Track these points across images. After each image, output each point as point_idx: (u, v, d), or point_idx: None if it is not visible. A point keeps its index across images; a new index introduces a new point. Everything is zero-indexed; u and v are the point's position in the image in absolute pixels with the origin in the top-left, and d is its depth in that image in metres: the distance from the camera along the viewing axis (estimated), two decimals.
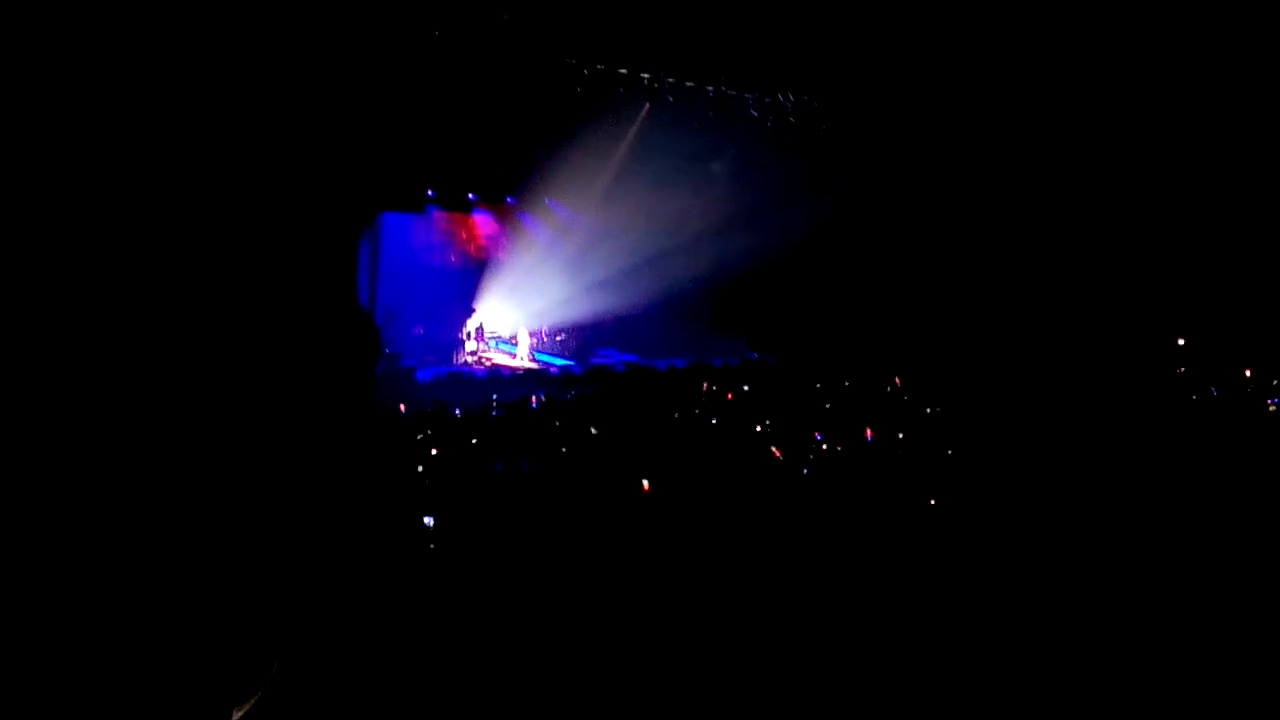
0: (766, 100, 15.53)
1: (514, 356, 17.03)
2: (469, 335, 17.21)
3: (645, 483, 6.42)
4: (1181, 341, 13.44)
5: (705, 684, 3.81)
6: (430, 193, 16.33)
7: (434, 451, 7.50)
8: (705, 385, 11.99)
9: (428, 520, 5.22)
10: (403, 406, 9.76)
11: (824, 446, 7.74)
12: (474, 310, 17.63)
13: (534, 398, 10.82)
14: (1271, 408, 9.06)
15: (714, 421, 9.33)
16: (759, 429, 8.88)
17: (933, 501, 6.16)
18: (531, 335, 17.98)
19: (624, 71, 14.10)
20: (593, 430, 8.78)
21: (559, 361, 16.52)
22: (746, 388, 12.40)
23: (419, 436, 8.26)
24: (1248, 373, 10.90)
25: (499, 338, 17.69)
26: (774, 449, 7.68)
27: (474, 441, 8.19)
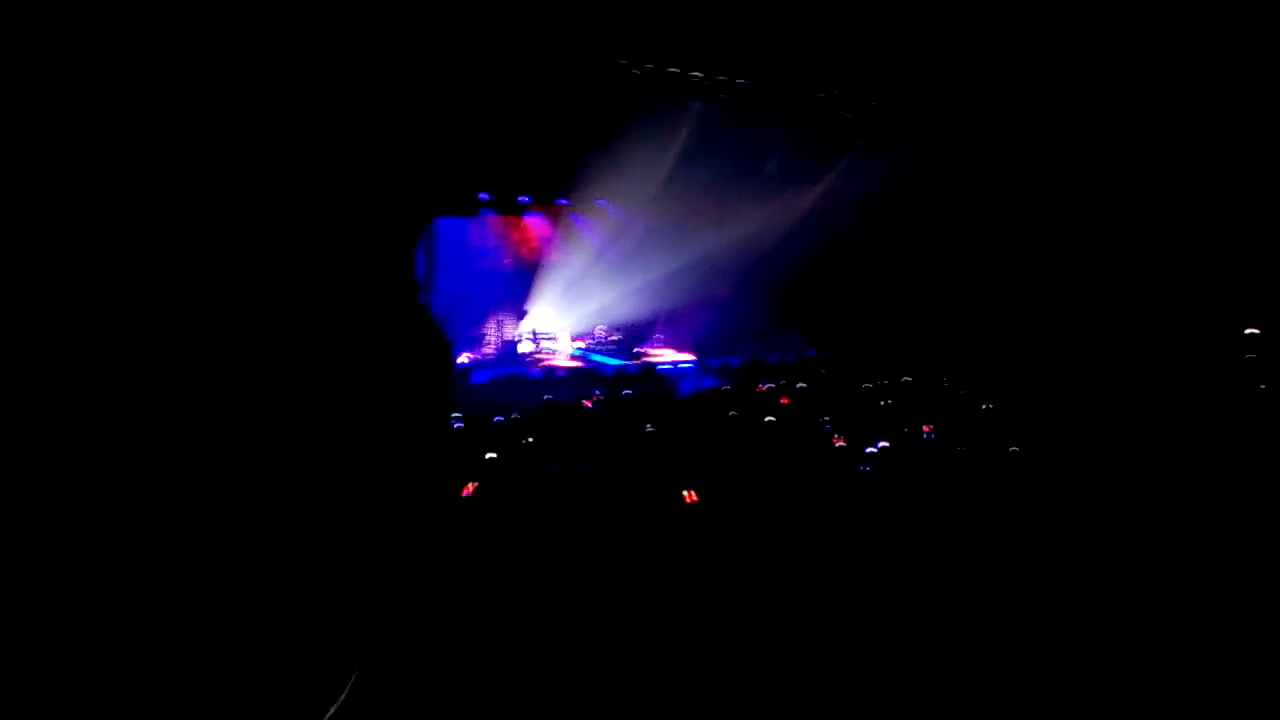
0: (820, 96, 15.38)
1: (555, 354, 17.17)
2: (522, 337, 17.36)
3: (689, 493, 6.40)
4: (1253, 330, 13.02)
5: (747, 686, 3.79)
6: (483, 195, 16.45)
7: (491, 455, 7.56)
8: (759, 387, 11.91)
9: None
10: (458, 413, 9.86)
11: (884, 445, 7.64)
12: (527, 312, 17.75)
13: (589, 399, 10.85)
14: None
15: (768, 420, 9.26)
16: (814, 427, 8.80)
17: (992, 499, 6.05)
18: (585, 336, 18.05)
19: (675, 70, 14.07)
20: (649, 428, 8.78)
21: (613, 361, 16.55)
22: (802, 385, 12.31)
23: (476, 438, 8.34)
24: None
25: (550, 336, 17.77)
26: (836, 438, 7.63)
27: (529, 441, 8.25)
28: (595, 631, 4.23)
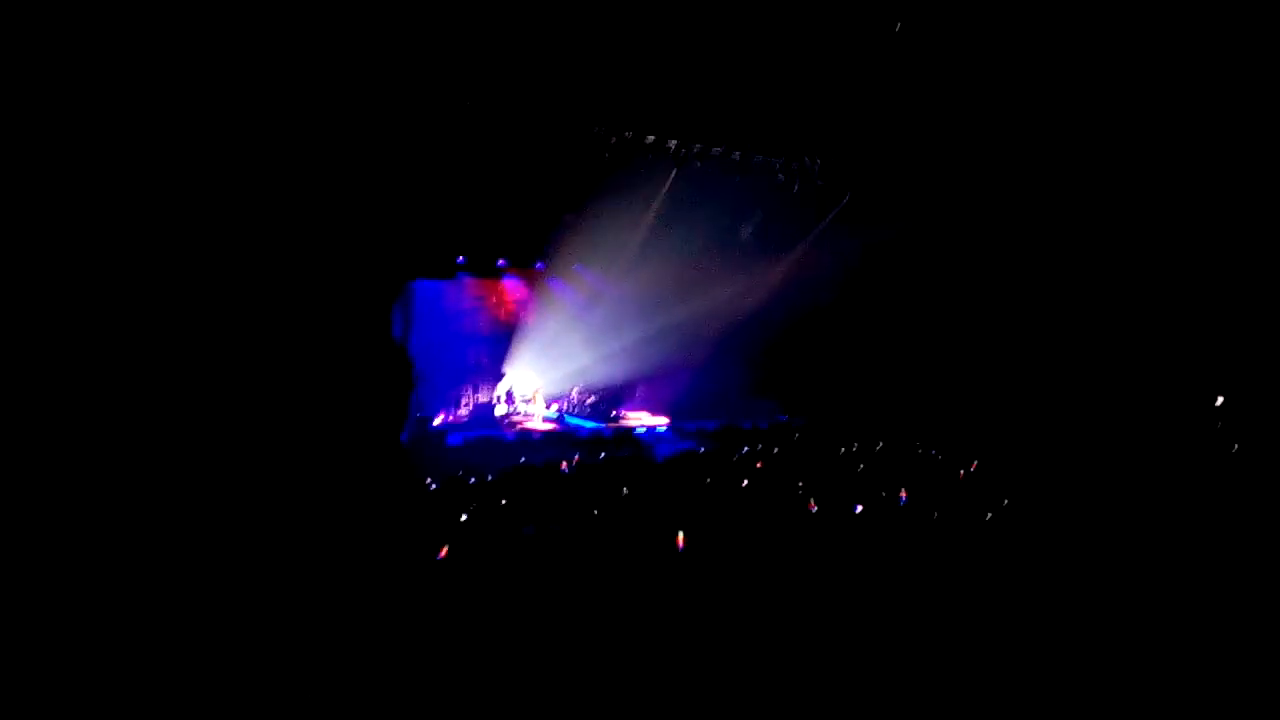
0: (793, 165, 15.69)
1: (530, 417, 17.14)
2: (499, 399, 17.31)
3: (680, 536, 6.39)
4: (1220, 400, 13.24)
5: None
6: (461, 259, 16.55)
7: (464, 516, 7.47)
8: (735, 457, 11.88)
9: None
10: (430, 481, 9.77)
11: (857, 510, 7.63)
12: (503, 374, 17.73)
13: (564, 461, 10.79)
14: None
15: (744, 484, 9.25)
16: (788, 491, 8.77)
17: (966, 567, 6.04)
18: (561, 399, 18.03)
19: (651, 138, 14.33)
20: (624, 491, 8.73)
21: (589, 424, 16.51)
22: (776, 450, 12.31)
23: (450, 499, 8.24)
24: None
25: (526, 399, 17.73)
26: (810, 502, 7.63)
27: (504, 503, 8.16)
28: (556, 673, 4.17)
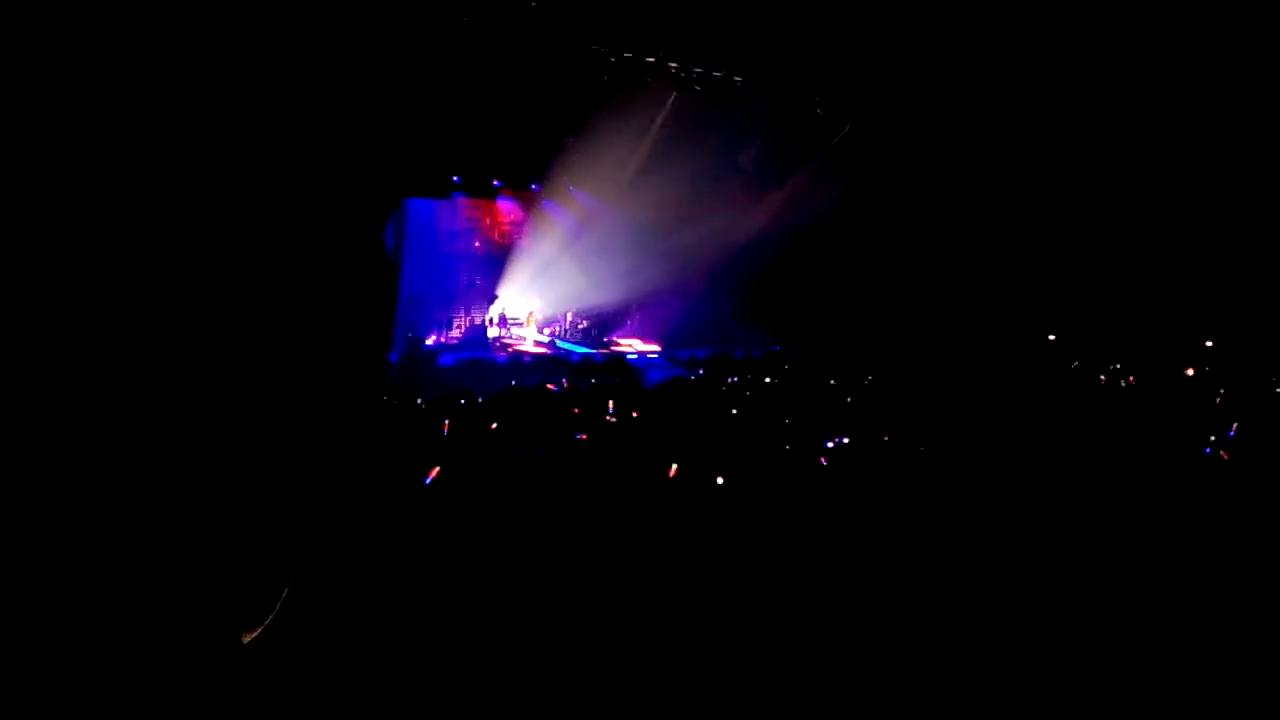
0: (794, 93, 15.45)
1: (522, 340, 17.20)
2: (491, 321, 17.30)
3: (673, 467, 6.42)
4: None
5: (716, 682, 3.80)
6: (455, 179, 16.36)
7: (450, 435, 7.52)
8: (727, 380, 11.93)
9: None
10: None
11: (844, 441, 7.68)
12: (496, 297, 17.69)
13: (554, 384, 10.84)
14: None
15: (734, 411, 9.30)
16: (775, 421, 8.83)
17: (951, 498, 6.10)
18: (553, 322, 18.03)
19: (652, 60, 14.06)
20: (611, 418, 8.79)
21: (581, 349, 16.55)
22: (768, 380, 12.36)
23: (439, 418, 8.29)
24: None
25: (518, 322, 17.73)
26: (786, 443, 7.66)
27: (493, 426, 8.22)
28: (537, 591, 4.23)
